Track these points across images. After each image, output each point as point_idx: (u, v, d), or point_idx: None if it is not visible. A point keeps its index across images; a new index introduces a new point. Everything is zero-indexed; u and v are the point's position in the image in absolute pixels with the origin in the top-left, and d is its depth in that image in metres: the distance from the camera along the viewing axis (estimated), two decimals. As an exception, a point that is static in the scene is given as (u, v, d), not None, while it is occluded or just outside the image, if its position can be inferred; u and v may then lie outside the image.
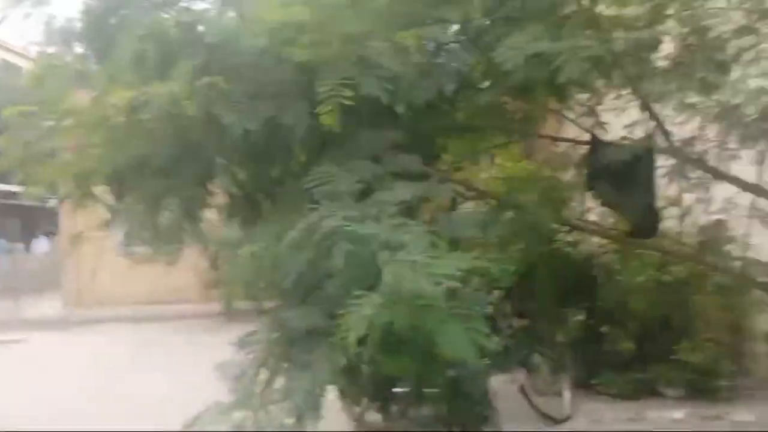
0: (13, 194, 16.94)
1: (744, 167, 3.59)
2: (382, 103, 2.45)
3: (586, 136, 3.64)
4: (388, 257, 2.14)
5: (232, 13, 2.66)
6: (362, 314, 2.07)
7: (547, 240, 3.50)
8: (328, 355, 2.42)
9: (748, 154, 3.60)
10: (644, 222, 3.48)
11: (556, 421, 5.10)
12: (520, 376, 5.11)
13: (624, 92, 3.46)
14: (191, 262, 3.92)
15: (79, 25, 2.80)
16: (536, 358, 5.14)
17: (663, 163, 3.64)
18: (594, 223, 4.29)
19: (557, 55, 2.25)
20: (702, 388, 5.39)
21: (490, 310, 5.22)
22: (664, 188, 3.89)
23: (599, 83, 3.11)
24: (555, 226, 3.58)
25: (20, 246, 18.24)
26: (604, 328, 5.53)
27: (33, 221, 20.87)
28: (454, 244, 2.44)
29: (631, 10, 3.04)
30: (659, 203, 3.79)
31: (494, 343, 4.67)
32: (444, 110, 2.95)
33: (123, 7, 2.60)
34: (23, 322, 10.54)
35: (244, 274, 2.72)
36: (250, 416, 2.70)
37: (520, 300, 5.03)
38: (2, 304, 11.88)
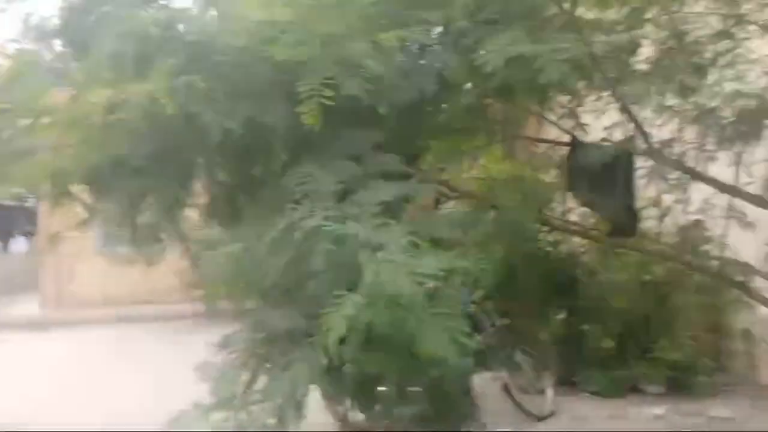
0: (-10, 193, 16.64)
1: (721, 169, 3.65)
2: (364, 103, 2.45)
3: (567, 138, 3.68)
4: (368, 257, 2.15)
5: (212, 12, 2.64)
6: (343, 314, 2.08)
7: (528, 240, 3.53)
8: (309, 355, 2.41)
9: (725, 156, 3.66)
10: (624, 222, 3.53)
11: (539, 419, 5.14)
12: (503, 374, 5.15)
13: (604, 94, 3.50)
14: (172, 263, 3.89)
15: (56, 21, 2.76)
16: (519, 357, 5.20)
17: (642, 164, 3.69)
18: (575, 223, 4.33)
19: (537, 58, 2.27)
20: (682, 384, 5.48)
21: (472, 309, 5.28)
22: (644, 189, 3.94)
23: (579, 85, 3.14)
24: (536, 226, 3.61)
25: (-2, 246, 17.97)
26: (585, 327, 5.59)
27: (11, 221, 20.52)
28: (436, 244, 2.45)
29: (610, 14, 3.07)
30: (639, 204, 3.85)
31: (476, 341, 4.72)
32: (426, 111, 2.96)
33: (102, 5, 2.56)
34: (0, 324, 10.38)
35: (224, 274, 2.71)
36: (231, 417, 2.69)
37: (503, 299, 5.07)
38: (-20, 304, 11.69)
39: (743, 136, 3.44)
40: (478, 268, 2.61)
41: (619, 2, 3.01)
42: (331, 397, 4.34)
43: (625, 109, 3.29)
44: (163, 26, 2.37)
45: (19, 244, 18.85)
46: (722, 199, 3.72)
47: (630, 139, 3.52)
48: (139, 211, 2.81)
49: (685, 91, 3.28)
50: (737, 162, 3.57)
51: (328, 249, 2.15)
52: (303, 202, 2.30)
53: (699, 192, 3.87)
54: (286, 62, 2.27)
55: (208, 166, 2.65)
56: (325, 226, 2.18)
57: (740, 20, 3.13)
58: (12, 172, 2.82)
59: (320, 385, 3.61)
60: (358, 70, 2.30)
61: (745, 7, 3.13)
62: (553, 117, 3.82)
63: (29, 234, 17.74)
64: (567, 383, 5.61)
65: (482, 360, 4.62)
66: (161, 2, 2.78)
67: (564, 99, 3.63)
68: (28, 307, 11.33)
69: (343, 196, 2.40)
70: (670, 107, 3.47)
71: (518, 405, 5.16)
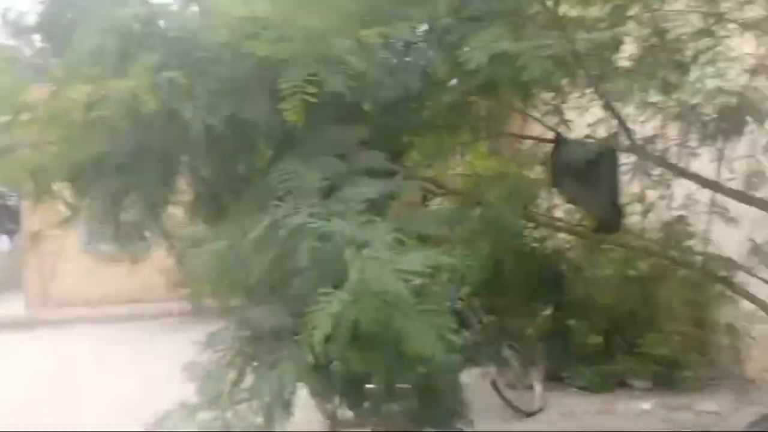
0: (-28, 192, 16.44)
1: (704, 165, 3.69)
2: (349, 100, 2.44)
3: (551, 135, 3.69)
4: (354, 254, 2.14)
5: (193, 8, 2.63)
6: (328, 312, 2.07)
7: (514, 236, 3.54)
8: (295, 353, 2.41)
9: (707, 152, 3.70)
10: (608, 218, 3.55)
11: (528, 414, 5.18)
12: (492, 370, 5.18)
13: (587, 91, 3.52)
14: (158, 261, 3.87)
15: (35, 17, 2.73)
16: (507, 353, 5.23)
17: (626, 160, 3.72)
18: (560, 219, 4.36)
19: (520, 55, 2.28)
20: (668, 379, 5.54)
21: (459, 305, 5.30)
22: (628, 185, 3.98)
23: (563, 82, 3.16)
24: (522, 222, 3.62)
25: (-20, 245, 17.73)
26: (572, 322, 5.63)
27: (-7, 219, 20.24)
28: (422, 241, 2.45)
29: (593, 11, 3.09)
30: (623, 200, 3.88)
31: (462, 338, 4.74)
32: (411, 108, 2.96)
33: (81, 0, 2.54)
34: (-15, 324, 10.26)
35: (209, 272, 2.69)
36: (218, 416, 2.68)
37: (490, 295, 5.10)
38: (-37, 305, 11.54)
39: (725, 132, 3.47)
40: (464, 264, 2.62)
41: (601, 0, 3.03)
42: (319, 395, 4.33)
43: (608, 106, 3.31)
44: (144, 22, 2.35)
45: (2, 243, 18.62)
46: (705, 195, 3.75)
47: (613, 136, 3.55)
48: (122, 209, 2.79)
49: (667, 88, 3.31)
50: (719, 158, 3.61)
51: (312, 246, 2.14)
52: (287, 199, 2.29)
53: (682, 188, 3.90)
54: (269, 58, 2.26)
55: (192, 163, 2.63)
56: (309, 223, 2.17)
57: (720, 18, 3.16)
58: (-8, 169, 2.78)
59: (308, 383, 3.59)
60: (341, 66, 2.30)
61: (725, 6, 3.16)
62: (537, 114, 3.84)
63: (12, 232, 17.52)
64: (555, 378, 5.65)
65: (470, 356, 4.65)
66: (141, -2, 2.75)
67: (548, 96, 3.64)
68: (12, 306, 11.20)
69: (328, 193, 2.40)
70: (652, 104, 3.49)
71: (506, 401, 5.19)
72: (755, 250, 3.59)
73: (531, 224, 4.06)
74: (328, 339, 2.12)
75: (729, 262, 3.70)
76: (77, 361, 7.59)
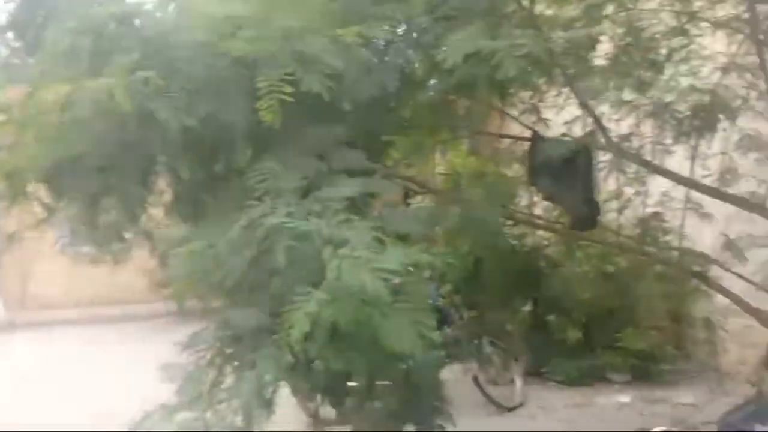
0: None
1: (679, 162, 3.76)
2: (327, 99, 2.44)
3: (529, 133, 3.73)
4: (331, 253, 2.15)
5: (169, 7, 2.61)
6: (306, 311, 2.07)
7: (493, 234, 3.57)
8: (274, 352, 2.41)
9: (682, 150, 3.76)
10: (584, 215, 3.60)
11: (509, 409, 5.24)
12: (473, 366, 5.23)
13: (563, 90, 3.57)
14: (139, 262, 3.84)
15: (7, 16, 2.69)
16: (488, 348, 5.28)
17: (602, 158, 3.77)
18: (539, 217, 4.40)
19: (495, 53, 2.30)
20: (646, 372, 5.65)
21: (441, 303, 5.34)
22: (605, 182, 4.03)
23: (540, 81, 3.19)
24: (501, 220, 3.66)
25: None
26: (551, 318, 5.70)
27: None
28: (402, 240, 2.46)
29: (569, 11, 3.13)
30: (600, 197, 3.93)
31: (443, 335, 4.76)
32: (389, 107, 2.97)
33: (53, -1, 2.51)
34: (-37, 327, 10.08)
35: (188, 273, 2.68)
36: (198, 417, 2.67)
37: (470, 292, 5.14)
38: (-61, 308, 11.31)
39: (698, 130, 3.54)
40: (444, 262, 2.63)
41: (577, -1, 3.07)
42: (301, 394, 4.34)
43: (584, 105, 3.35)
44: (119, 21, 2.33)
45: (-21, 246, 18.27)
46: (680, 192, 3.82)
47: (590, 134, 3.60)
48: (99, 210, 2.76)
49: (642, 87, 3.36)
50: (693, 155, 3.67)
51: (289, 246, 2.14)
52: (265, 199, 2.29)
53: (657, 185, 3.97)
54: (246, 57, 2.26)
55: (169, 164, 2.62)
56: (286, 223, 2.17)
57: (693, 17, 3.22)
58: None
59: (289, 382, 3.60)
60: (318, 65, 2.30)
61: (697, 5, 3.22)
62: (515, 113, 3.88)
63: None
64: (535, 373, 5.72)
65: (451, 352, 4.69)
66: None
67: (525, 95, 3.68)
68: (-9, 310, 11.03)
69: (306, 192, 2.39)
70: (627, 102, 3.55)
71: (488, 396, 5.25)
72: (728, 245, 3.66)
73: (510, 222, 4.09)
74: (306, 338, 2.13)
75: (703, 257, 3.77)
76: (58, 363, 7.50)
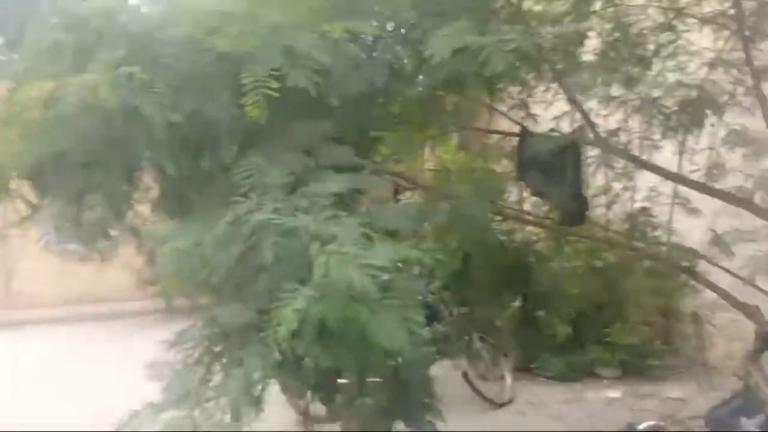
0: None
1: (667, 157, 3.78)
2: (314, 95, 2.43)
3: (517, 129, 3.73)
4: (319, 250, 2.14)
5: (155, 2, 2.58)
6: (293, 308, 2.06)
7: (483, 230, 3.57)
8: (261, 350, 2.39)
9: (670, 145, 3.78)
10: (573, 210, 3.61)
11: (499, 405, 5.25)
12: (463, 362, 5.23)
13: (552, 86, 3.57)
14: (126, 259, 3.81)
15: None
16: (477, 344, 5.29)
17: (591, 153, 3.78)
18: (528, 212, 4.41)
19: (483, 49, 2.29)
20: (635, 367, 5.67)
21: (430, 299, 5.33)
22: (593, 178, 4.05)
23: (528, 77, 3.19)
24: (490, 216, 3.66)
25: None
26: (540, 313, 5.71)
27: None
28: (392, 236, 2.45)
29: (557, 6, 3.13)
30: (588, 192, 3.95)
31: (432, 331, 4.75)
32: (377, 103, 2.96)
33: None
34: (-51, 327, 9.96)
35: (175, 270, 2.65)
36: (186, 415, 2.65)
37: (460, 288, 5.15)
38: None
39: (686, 125, 3.56)
40: (433, 258, 2.62)
41: (565, -5, 3.07)
42: (290, 391, 4.33)
43: (572, 100, 3.36)
44: (103, 17, 2.30)
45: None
46: (668, 187, 3.84)
47: (578, 129, 3.60)
48: (84, 208, 2.73)
49: (630, 82, 3.37)
50: (681, 151, 3.69)
51: (276, 242, 2.13)
52: (251, 195, 2.27)
53: (645, 180, 3.99)
54: (232, 53, 2.23)
55: (155, 160, 2.59)
56: (272, 219, 2.16)
57: (679, 13, 3.23)
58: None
59: (279, 380, 3.59)
60: (305, 61, 2.28)
61: (684, 1, 3.24)
62: (503, 108, 3.88)
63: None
64: (524, 369, 5.73)
65: (441, 348, 4.69)
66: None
67: (514, 90, 3.68)
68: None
69: (293, 188, 2.38)
70: (615, 98, 3.56)
71: (478, 392, 5.25)
72: (716, 240, 3.68)
73: (499, 218, 4.09)
74: (294, 335, 2.12)
75: (691, 252, 3.79)
76: (44, 361, 7.43)
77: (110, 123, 2.34)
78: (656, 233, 4.12)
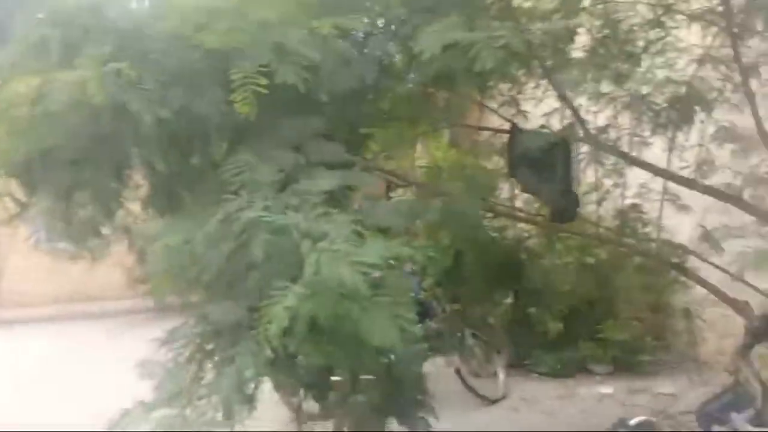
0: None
1: (656, 153, 3.79)
2: (304, 91, 2.42)
3: (508, 125, 3.74)
4: (309, 247, 2.13)
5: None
6: (284, 305, 2.06)
7: (474, 227, 3.58)
8: (253, 347, 2.39)
9: (660, 141, 3.80)
10: (563, 207, 3.62)
11: (492, 402, 5.27)
12: (456, 358, 5.25)
13: (542, 82, 3.58)
14: (117, 257, 3.78)
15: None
16: (470, 341, 5.30)
17: (582, 150, 3.80)
18: (519, 209, 4.42)
19: (473, 45, 2.29)
20: (627, 363, 5.71)
21: (423, 296, 5.34)
22: (584, 174, 4.06)
23: (518, 73, 3.20)
24: (481, 213, 3.66)
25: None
26: (533, 310, 5.73)
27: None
28: (383, 233, 2.45)
29: (547, 3, 3.13)
30: (579, 189, 3.96)
31: (425, 328, 4.74)
32: (368, 99, 2.96)
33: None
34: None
35: (166, 268, 2.64)
36: (177, 413, 2.64)
37: (452, 285, 5.16)
38: None
39: (675, 121, 3.58)
40: (424, 255, 2.62)
41: (555, -9, 3.07)
42: (283, 389, 4.32)
43: (562, 97, 3.37)
44: (91, 12, 2.28)
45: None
46: (658, 183, 3.86)
47: (568, 126, 3.62)
48: (73, 205, 2.71)
49: (619, 79, 3.38)
50: (671, 147, 3.71)
51: (267, 240, 2.12)
52: (241, 192, 2.26)
53: (635, 176, 4.00)
54: (221, 49, 2.22)
55: (144, 157, 2.58)
56: (263, 216, 2.15)
57: (668, 9, 3.25)
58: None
59: (271, 377, 3.58)
60: (294, 57, 2.27)
61: (672, -3, 3.25)
62: (494, 105, 3.88)
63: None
64: (517, 365, 5.75)
65: (434, 345, 4.70)
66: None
67: (504, 87, 3.68)
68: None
69: (283, 186, 2.37)
70: (605, 94, 3.57)
71: (470, 389, 5.27)
72: (705, 236, 3.70)
73: (491, 214, 4.10)
74: (286, 333, 2.11)
75: (681, 248, 3.82)
76: (35, 360, 7.39)
77: (98, 119, 2.32)
78: (646, 230, 4.14)
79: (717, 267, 3.64)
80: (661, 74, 3.45)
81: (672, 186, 3.77)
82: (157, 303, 3.18)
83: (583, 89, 3.42)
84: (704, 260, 3.69)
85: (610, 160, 3.86)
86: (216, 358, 2.76)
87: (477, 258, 4.42)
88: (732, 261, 3.66)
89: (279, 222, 2.16)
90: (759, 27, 3.24)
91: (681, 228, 4.07)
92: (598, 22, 3.33)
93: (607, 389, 5.49)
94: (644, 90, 3.49)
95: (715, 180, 3.70)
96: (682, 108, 3.49)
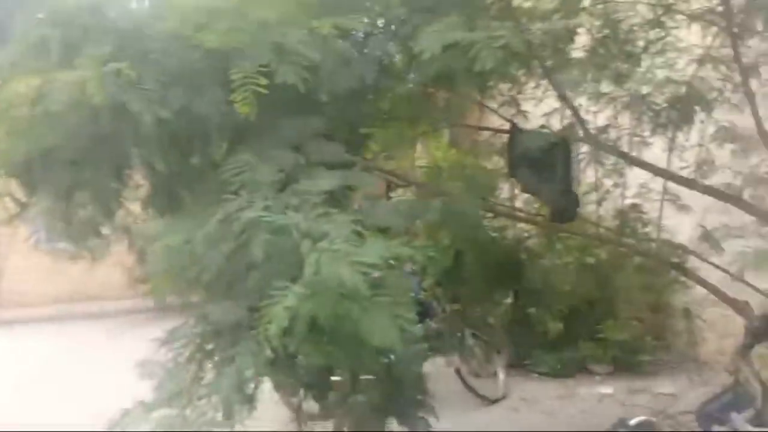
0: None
1: (656, 153, 3.79)
2: (304, 91, 2.42)
3: (508, 125, 3.74)
4: (309, 247, 2.13)
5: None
6: (284, 305, 2.06)
7: (474, 227, 3.58)
8: (253, 347, 2.39)
9: (660, 141, 3.80)
10: (563, 207, 3.62)
11: (492, 401, 5.27)
12: (456, 358, 5.25)
13: (542, 82, 3.58)
14: (117, 257, 3.79)
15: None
16: (470, 341, 5.30)
17: (582, 150, 3.80)
18: (519, 209, 4.43)
19: (473, 45, 2.29)
20: (627, 363, 5.71)
21: (423, 296, 5.34)
22: (584, 174, 4.06)
23: (518, 73, 3.20)
24: (481, 213, 3.67)
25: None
26: (532, 310, 5.73)
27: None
28: (383, 233, 2.45)
29: (547, 3, 3.13)
30: (579, 189, 3.96)
31: (425, 328, 4.74)
32: (368, 99, 2.96)
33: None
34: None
35: (166, 267, 2.64)
36: (177, 413, 2.64)
37: (452, 285, 5.16)
38: None
39: (675, 121, 3.58)
40: (424, 255, 2.63)
41: (555, -9, 3.08)
42: (283, 389, 4.32)
43: (562, 97, 3.37)
44: (90, 12, 2.28)
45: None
46: (658, 183, 3.86)
47: (568, 126, 3.62)
48: (73, 205, 2.71)
49: (619, 78, 3.38)
50: (671, 147, 3.71)
51: (267, 240, 2.13)
52: (241, 192, 2.26)
53: (635, 176, 4.00)
54: (221, 49, 2.23)
55: (145, 157, 2.58)
56: (263, 217, 2.15)
57: (668, 9, 3.25)
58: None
59: (271, 377, 3.58)
60: (294, 57, 2.28)
61: (672, -3, 3.25)
62: (494, 105, 3.88)
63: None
64: (517, 365, 5.76)
65: (434, 345, 4.70)
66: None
67: (504, 87, 3.68)
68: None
69: (283, 186, 2.38)
70: (605, 94, 3.57)
71: (471, 388, 5.27)
72: (705, 236, 3.70)
73: (491, 214, 4.11)
74: (286, 333, 2.11)
75: (681, 248, 3.82)
76: (35, 360, 7.39)
77: (98, 119, 2.32)
78: (646, 230, 4.14)
79: (717, 267, 3.64)
80: (661, 74, 3.45)
81: (672, 186, 3.77)
82: (157, 303, 3.19)
83: (583, 89, 3.43)
84: (704, 260, 3.69)
85: (610, 160, 3.86)
86: (216, 358, 2.76)
87: (477, 258, 4.42)
88: (732, 261, 3.66)
89: (279, 222, 2.16)
90: (759, 27, 3.24)
91: (681, 228, 4.07)
92: (598, 22, 3.33)
93: (607, 389, 5.49)
94: (644, 90, 3.49)
95: (715, 180, 3.70)
96: (682, 108, 3.49)
